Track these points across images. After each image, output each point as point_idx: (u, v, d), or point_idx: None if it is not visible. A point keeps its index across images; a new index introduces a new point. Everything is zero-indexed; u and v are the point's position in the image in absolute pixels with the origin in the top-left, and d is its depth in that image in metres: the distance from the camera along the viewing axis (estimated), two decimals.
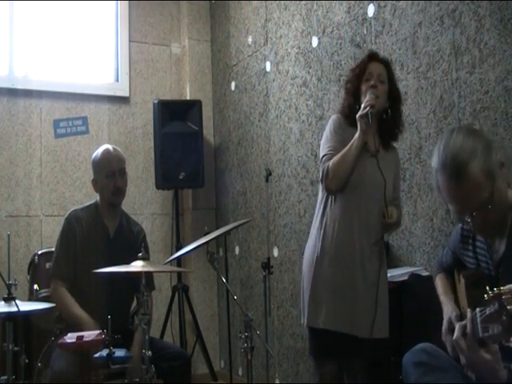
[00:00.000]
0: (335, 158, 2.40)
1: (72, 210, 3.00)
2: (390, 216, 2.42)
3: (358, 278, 2.39)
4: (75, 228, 2.89)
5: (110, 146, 3.02)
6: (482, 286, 1.77)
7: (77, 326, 2.62)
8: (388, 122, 2.51)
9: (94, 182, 2.98)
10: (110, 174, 2.90)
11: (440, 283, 2.18)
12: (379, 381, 2.54)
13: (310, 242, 2.54)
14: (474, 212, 1.72)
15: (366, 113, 2.36)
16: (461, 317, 1.93)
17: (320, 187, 2.56)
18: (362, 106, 2.40)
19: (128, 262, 2.46)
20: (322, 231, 2.46)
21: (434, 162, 1.76)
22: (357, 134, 2.40)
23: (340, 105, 2.64)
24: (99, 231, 2.93)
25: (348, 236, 2.42)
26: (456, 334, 1.59)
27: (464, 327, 1.57)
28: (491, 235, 1.82)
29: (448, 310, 2.02)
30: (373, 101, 2.39)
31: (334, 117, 2.57)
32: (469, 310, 1.60)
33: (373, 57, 2.57)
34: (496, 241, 1.81)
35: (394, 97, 2.54)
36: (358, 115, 2.40)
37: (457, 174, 1.68)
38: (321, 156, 2.50)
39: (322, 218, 2.48)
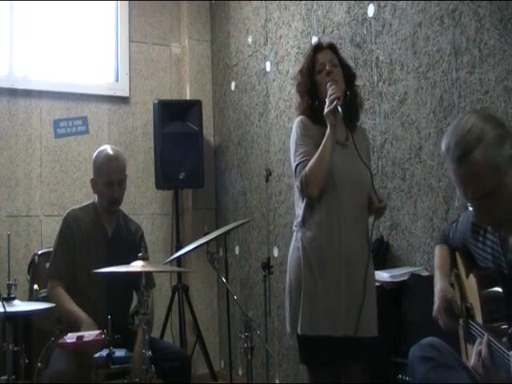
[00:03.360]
0: (311, 163, 2.33)
1: (70, 209, 3.00)
2: (380, 200, 2.40)
3: (342, 279, 2.34)
4: (73, 228, 2.89)
5: (111, 151, 2.94)
6: (495, 287, 1.76)
7: (75, 325, 2.62)
8: (349, 104, 2.43)
9: (93, 182, 2.96)
10: (108, 184, 2.88)
11: (439, 254, 2.13)
12: (377, 380, 2.54)
13: (293, 249, 2.46)
14: (476, 201, 1.67)
15: (335, 107, 2.31)
16: (467, 312, 1.91)
17: (296, 193, 2.49)
18: (327, 100, 2.34)
19: (127, 260, 2.45)
20: (306, 237, 2.39)
21: (442, 142, 1.71)
22: (328, 132, 2.33)
23: (299, 107, 2.54)
24: (98, 231, 2.93)
25: (332, 238, 2.36)
26: (474, 360, 1.61)
27: (479, 352, 1.59)
28: (498, 226, 1.76)
29: (442, 287, 1.98)
30: (337, 92, 2.34)
31: (297, 120, 2.48)
32: (486, 335, 1.61)
33: (317, 47, 2.53)
34: (510, 238, 1.76)
35: (348, 77, 2.52)
36: (325, 112, 2.33)
37: (458, 158, 1.63)
38: (294, 166, 2.41)
39: (304, 222, 2.41)
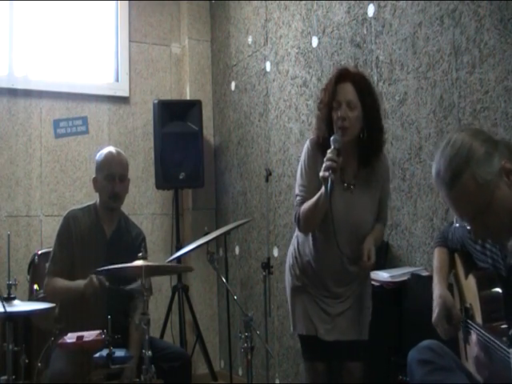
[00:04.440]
0: (305, 210, 2.35)
1: (71, 209, 2.99)
2: (368, 257, 2.33)
3: (330, 283, 2.43)
4: (72, 228, 2.89)
5: (114, 150, 2.99)
6: (494, 288, 1.77)
7: (77, 292, 2.65)
8: (366, 142, 2.37)
9: (95, 181, 2.97)
10: (109, 177, 2.88)
11: (438, 257, 2.14)
12: (378, 380, 2.54)
13: (289, 253, 2.58)
14: (471, 220, 1.67)
15: (326, 179, 2.18)
16: (467, 312, 1.91)
17: None
18: (323, 166, 2.19)
19: (125, 263, 2.45)
20: (300, 250, 2.50)
21: (433, 165, 1.71)
22: (323, 191, 2.24)
23: (315, 129, 2.48)
24: (96, 233, 2.92)
25: (320, 261, 2.43)
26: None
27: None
28: (497, 239, 1.77)
29: (440, 293, 1.98)
30: (333, 163, 2.18)
31: (308, 144, 2.45)
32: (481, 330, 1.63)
33: (340, 77, 2.35)
34: (508, 242, 1.75)
35: (369, 113, 2.35)
36: (320, 175, 2.21)
37: (448, 183, 1.63)
38: (295, 194, 2.46)
39: (298, 243, 2.52)
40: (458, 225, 2.03)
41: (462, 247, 2.03)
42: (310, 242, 2.46)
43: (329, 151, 2.22)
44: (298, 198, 2.42)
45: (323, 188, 2.24)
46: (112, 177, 2.88)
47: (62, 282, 2.80)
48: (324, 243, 2.41)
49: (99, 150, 3.04)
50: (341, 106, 2.32)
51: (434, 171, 1.69)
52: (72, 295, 2.72)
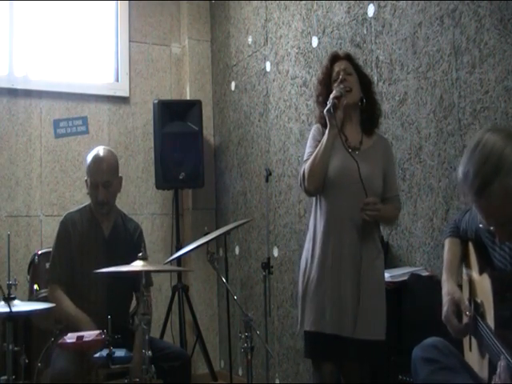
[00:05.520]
0: (309, 161, 2.45)
1: (67, 212, 3.00)
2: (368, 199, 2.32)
3: (341, 279, 2.39)
4: (70, 231, 2.89)
5: (101, 153, 2.92)
6: (510, 293, 1.75)
7: (75, 326, 2.62)
8: (366, 111, 2.54)
9: (86, 184, 2.96)
10: (94, 185, 2.88)
11: (449, 249, 2.08)
12: (378, 380, 2.54)
13: (305, 245, 2.58)
14: (498, 226, 1.64)
15: (330, 106, 2.39)
16: (475, 308, 1.89)
17: None
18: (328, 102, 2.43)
19: (125, 260, 2.45)
20: (313, 235, 2.49)
21: (459, 170, 1.65)
22: (326, 130, 2.44)
23: (317, 116, 2.65)
24: (94, 232, 2.93)
25: (332, 237, 2.42)
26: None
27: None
28: None
29: (449, 290, 1.95)
30: (337, 93, 2.42)
31: (313, 127, 2.61)
32: (502, 356, 1.58)
33: (333, 58, 2.59)
34: None
35: (364, 84, 2.57)
36: (324, 111, 2.43)
37: (477, 191, 1.58)
38: (302, 162, 2.56)
39: (312, 221, 2.53)
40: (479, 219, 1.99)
41: (477, 237, 1.96)
42: (324, 211, 2.45)
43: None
44: (304, 162, 2.50)
45: (327, 131, 2.42)
46: (95, 185, 2.87)
47: (66, 306, 2.77)
48: (332, 208, 2.43)
49: (91, 151, 3.00)
50: (339, 74, 2.52)
51: (460, 173, 1.64)
52: (70, 323, 2.71)
